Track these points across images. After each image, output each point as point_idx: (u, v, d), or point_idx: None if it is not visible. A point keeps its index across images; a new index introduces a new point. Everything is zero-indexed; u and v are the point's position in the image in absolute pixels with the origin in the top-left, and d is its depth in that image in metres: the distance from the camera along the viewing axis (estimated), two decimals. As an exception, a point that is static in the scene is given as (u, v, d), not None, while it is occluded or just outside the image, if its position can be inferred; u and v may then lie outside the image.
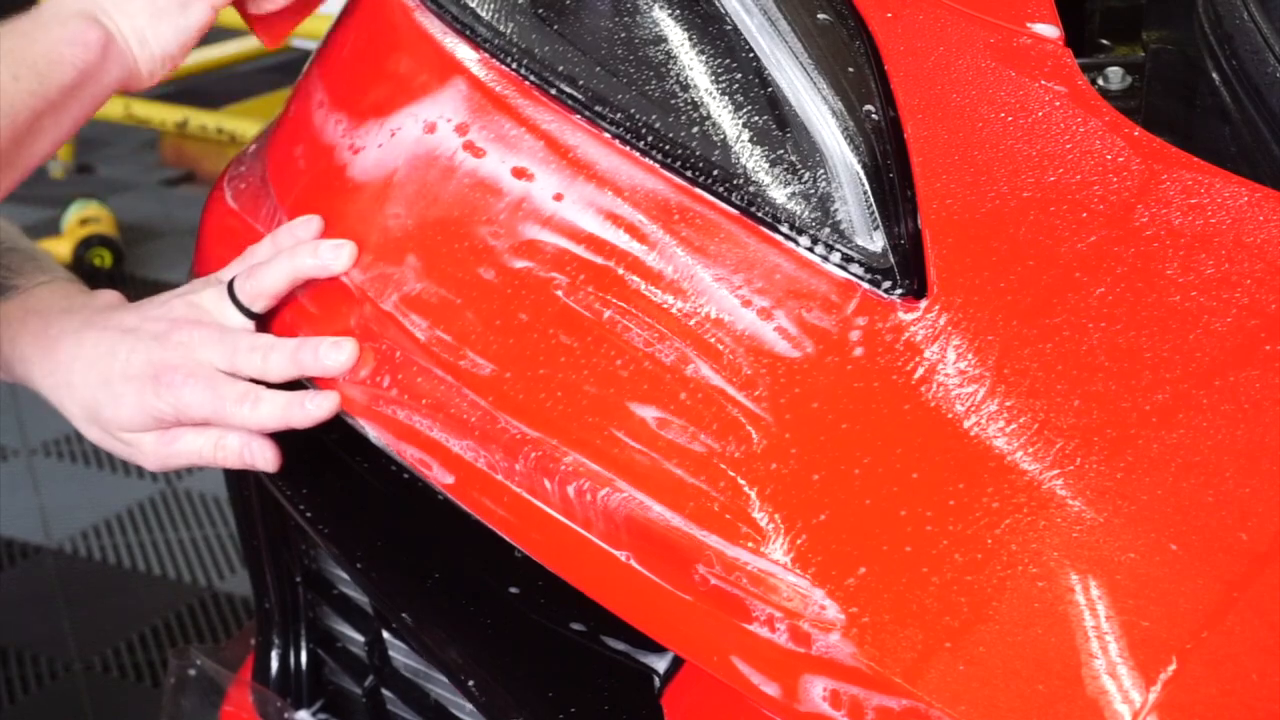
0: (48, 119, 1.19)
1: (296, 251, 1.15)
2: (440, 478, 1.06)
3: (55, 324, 1.21)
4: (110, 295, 1.26)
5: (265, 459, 1.19)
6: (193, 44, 1.28)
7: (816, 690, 0.89)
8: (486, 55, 1.14)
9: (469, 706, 1.20)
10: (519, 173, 1.09)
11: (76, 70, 1.20)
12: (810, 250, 1.01)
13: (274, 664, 1.37)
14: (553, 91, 1.10)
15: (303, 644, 1.37)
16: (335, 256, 1.14)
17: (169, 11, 1.25)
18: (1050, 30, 1.09)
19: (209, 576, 2.59)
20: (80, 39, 1.20)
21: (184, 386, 1.16)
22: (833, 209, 1.02)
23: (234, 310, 1.18)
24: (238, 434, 1.18)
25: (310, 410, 1.14)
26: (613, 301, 1.03)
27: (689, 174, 1.05)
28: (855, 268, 1.00)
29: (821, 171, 1.03)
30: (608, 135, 1.08)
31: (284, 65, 4.84)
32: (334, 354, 1.12)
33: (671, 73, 1.09)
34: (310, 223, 1.17)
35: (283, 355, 1.14)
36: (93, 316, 1.21)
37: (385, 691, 1.29)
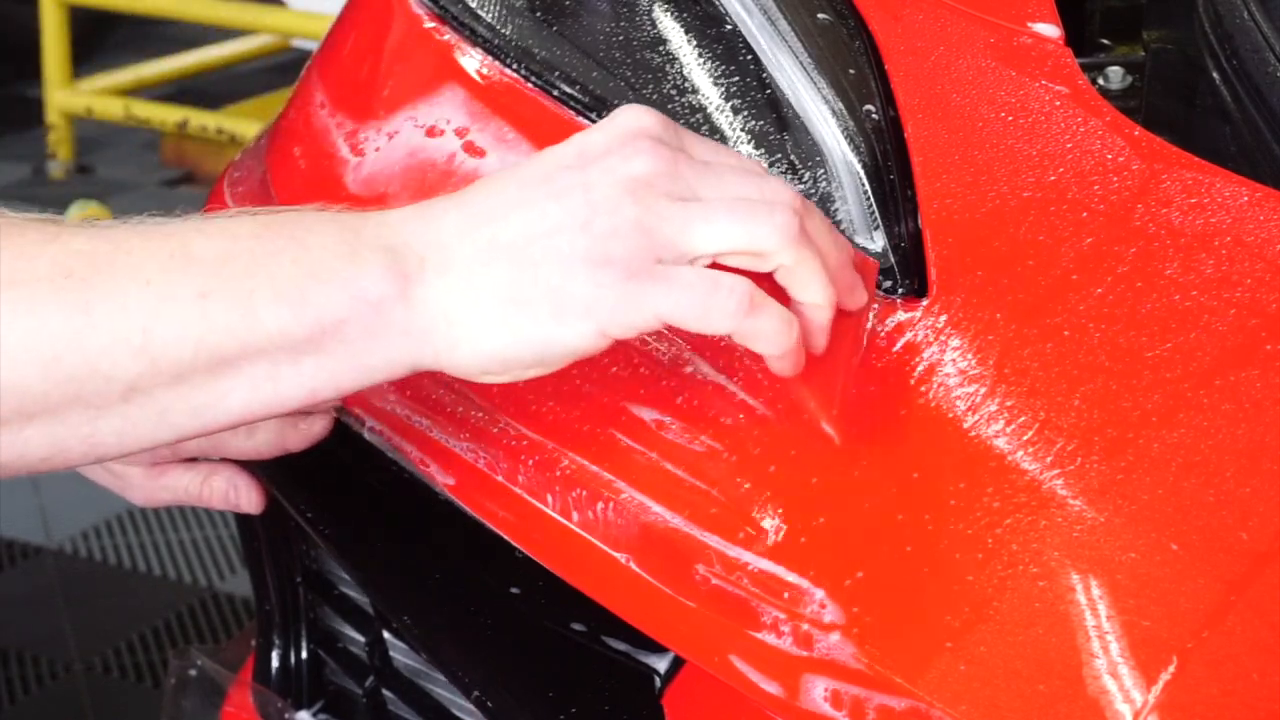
0: (248, 368, 0.84)
1: None
2: (441, 478, 1.06)
3: None
4: None
5: (250, 500, 1.18)
6: (555, 367, 0.88)
7: (817, 690, 0.89)
8: (487, 56, 1.14)
9: (469, 707, 1.20)
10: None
11: (317, 325, 0.83)
12: (810, 250, 1.01)
13: (274, 664, 1.37)
14: (554, 93, 1.10)
15: (303, 644, 1.37)
16: None
17: (534, 309, 0.84)
18: (1050, 30, 1.09)
19: (209, 577, 2.59)
20: (354, 286, 0.83)
21: None
22: (833, 209, 1.02)
23: None
24: (224, 474, 1.17)
25: (304, 431, 1.13)
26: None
27: (689, 174, 1.05)
28: (855, 268, 1.00)
29: (822, 171, 1.04)
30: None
31: (284, 66, 4.84)
32: (310, 425, 1.11)
33: (672, 73, 1.09)
34: None
35: None
36: None
37: (386, 692, 1.29)
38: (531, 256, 0.83)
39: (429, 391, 1.07)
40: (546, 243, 0.83)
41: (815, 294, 0.87)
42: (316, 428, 1.13)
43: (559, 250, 0.83)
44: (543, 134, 1.10)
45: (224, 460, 1.18)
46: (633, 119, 0.87)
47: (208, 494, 1.18)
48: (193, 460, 1.18)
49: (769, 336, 0.85)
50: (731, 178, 0.87)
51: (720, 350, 0.99)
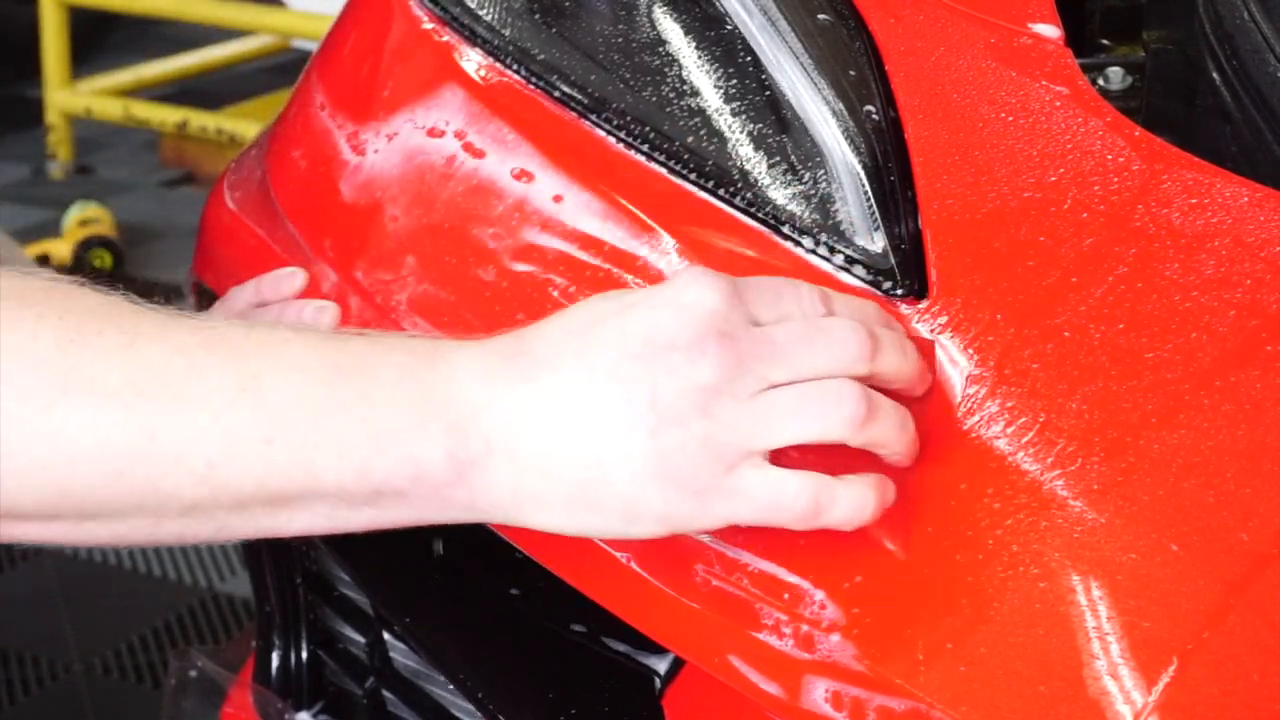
0: (305, 509, 0.86)
1: (285, 310, 1.13)
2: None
3: None
4: None
5: None
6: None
7: (818, 691, 0.89)
8: (487, 57, 1.14)
9: (470, 708, 1.20)
10: (519, 174, 1.09)
11: (375, 490, 0.85)
12: (812, 251, 1.01)
13: (275, 665, 1.37)
14: (554, 94, 1.10)
15: (303, 645, 1.37)
16: (317, 320, 1.11)
17: (602, 512, 0.86)
18: (1050, 30, 1.09)
19: (210, 578, 2.59)
20: (414, 465, 0.84)
21: None
22: (833, 210, 1.02)
23: None
24: None
25: None
26: (613, 302, 1.03)
27: (689, 175, 1.05)
28: (856, 268, 1.00)
29: (822, 172, 1.03)
30: (608, 137, 1.08)
31: (284, 66, 4.84)
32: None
33: (672, 74, 1.09)
34: (295, 277, 1.15)
35: None
36: None
37: (386, 693, 1.29)
38: (600, 459, 0.84)
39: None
40: (616, 448, 0.84)
41: (895, 449, 0.89)
42: None
43: (628, 459, 0.84)
44: (543, 134, 1.10)
45: None
46: (699, 298, 0.86)
47: None
48: None
49: (855, 509, 0.87)
50: (798, 351, 0.86)
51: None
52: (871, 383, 0.88)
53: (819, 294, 0.91)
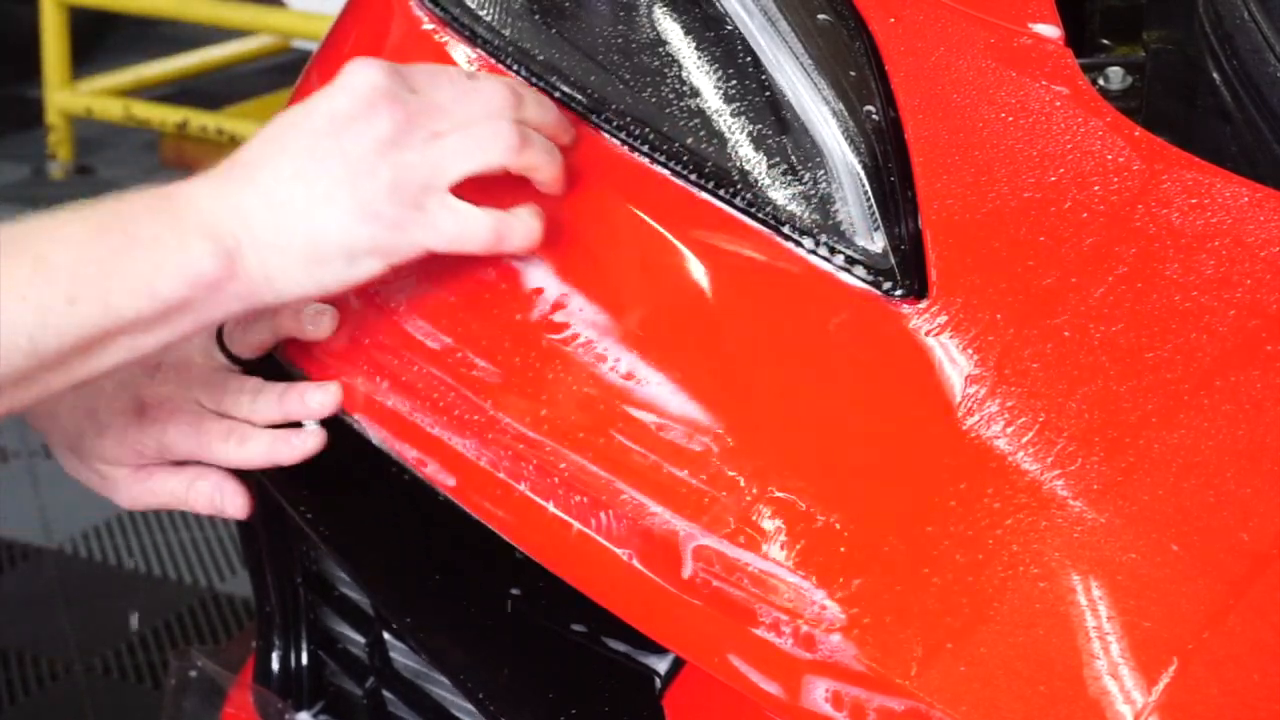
0: (110, 344, 1.01)
1: (281, 312, 1.14)
2: (441, 479, 1.06)
3: None
4: None
5: (236, 505, 1.18)
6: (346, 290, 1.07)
7: (818, 691, 0.89)
8: (487, 57, 1.14)
9: (470, 708, 1.19)
10: (519, 174, 1.09)
11: (165, 306, 1.01)
12: (812, 251, 1.01)
13: (275, 665, 1.37)
14: (555, 95, 1.10)
15: (303, 645, 1.37)
16: (316, 324, 1.13)
17: (330, 261, 1.03)
18: (1051, 30, 1.09)
19: (210, 578, 2.59)
20: (188, 273, 1.01)
21: (169, 422, 1.16)
22: (833, 210, 1.02)
23: (222, 354, 1.18)
24: (211, 478, 1.18)
25: (297, 446, 1.14)
26: (613, 302, 1.03)
27: (689, 176, 1.05)
28: (856, 268, 1.00)
29: (822, 172, 1.03)
30: (608, 137, 1.08)
31: (284, 66, 4.84)
32: (320, 397, 1.12)
33: (672, 75, 1.09)
34: None
35: (270, 399, 1.14)
36: None
37: (386, 693, 1.29)
38: (318, 221, 1.03)
39: (429, 394, 1.07)
40: (325, 209, 1.02)
41: (546, 174, 1.06)
42: (310, 444, 1.14)
43: (337, 213, 1.02)
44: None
45: (212, 466, 1.18)
46: (364, 77, 1.04)
47: (194, 498, 1.18)
48: (181, 464, 1.18)
49: (527, 235, 1.05)
50: (455, 107, 1.05)
51: (721, 351, 0.99)
52: (523, 122, 1.05)
53: (463, 70, 1.11)
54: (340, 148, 1.03)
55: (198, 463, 1.18)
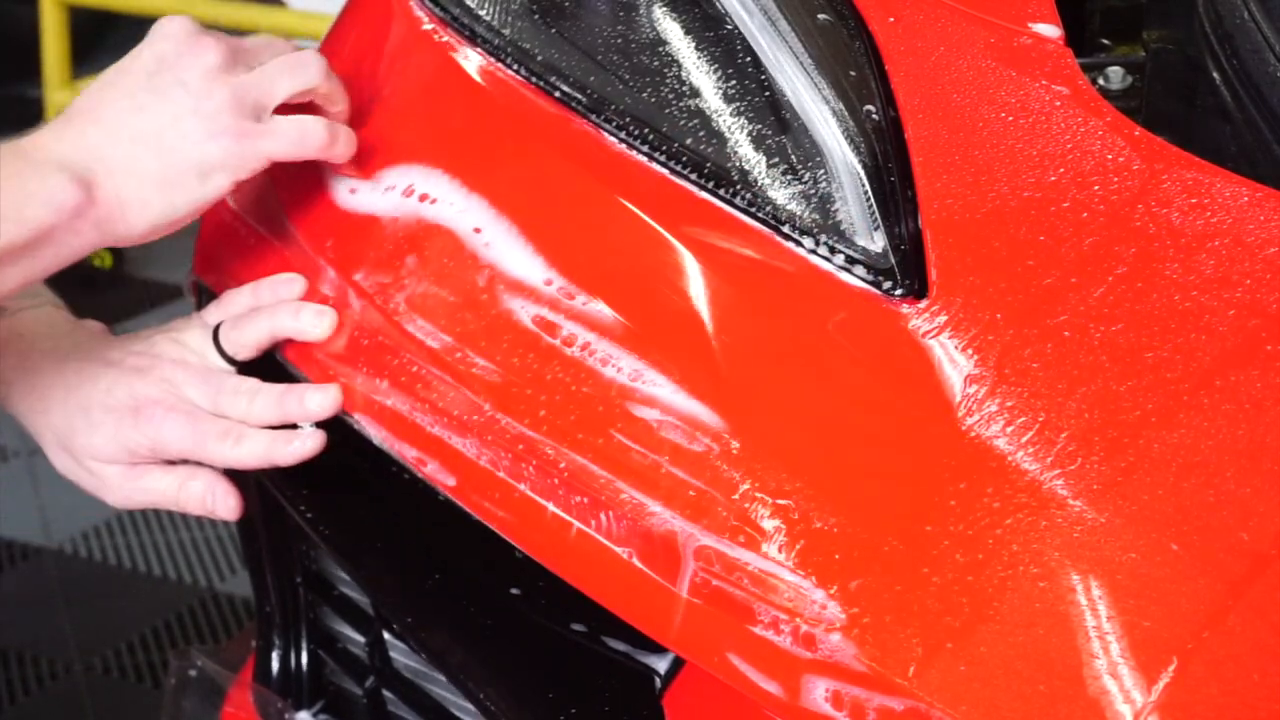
0: None
1: (277, 311, 1.15)
2: (441, 479, 1.06)
3: (38, 348, 1.20)
4: (95, 325, 1.25)
5: (227, 507, 1.18)
6: (201, 213, 1.14)
7: (817, 690, 0.89)
8: (487, 56, 1.14)
9: (470, 707, 1.20)
10: (520, 172, 1.09)
11: (33, 232, 1.06)
12: (812, 251, 1.01)
13: (275, 665, 1.37)
14: (554, 94, 1.10)
15: (303, 645, 1.37)
16: (316, 324, 1.14)
17: (185, 179, 1.11)
18: (1051, 30, 1.09)
19: (210, 577, 2.59)
20: (52, 199, 1.07)
21: (164, 421, 1.16)
22: (833, 209, 1.02)
23: (217, 355, 1.18)
24: (203, 478, 1.18)
25: (295, 449, 1.14)
26: (613, 302, 1.03)
27: (689, 175, 1.05)
28: (856, 268, 1.00)
29: (822, 172, 1.03)
30: (609, 137, 1.08)
31: (284, 65, 4.83)
32: (320, 399, 1.13)
33: (672, 74, 1.09)
34: (294, 283, 1.17)
35: (268, 400, 1.15)
36: (77, 346, 1.21)
37: (386, 692, 1.29)
38: (167, 143, 1.10)
39: (429, 393, 1.07)
40: (174, 131, 1.10)
41: (340, 106, 1.17)
42: (308, 446, 1.14)
43: (185, 135, 1.10)
44: (543, 135, 1.10)
45: (205, 466, 1.18)
46: (179, 26, 1.13)
47: (185, 498, 1.18)
48: (172, 463, 1.18)
49: (349, 137, 1.16)
50: (262, 51, 1.16)
51: (721, 351, 0.99)
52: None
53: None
54: (177, 78, 1.11)
55: (191, 463, 1.18)
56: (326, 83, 1.15)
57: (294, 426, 1.15)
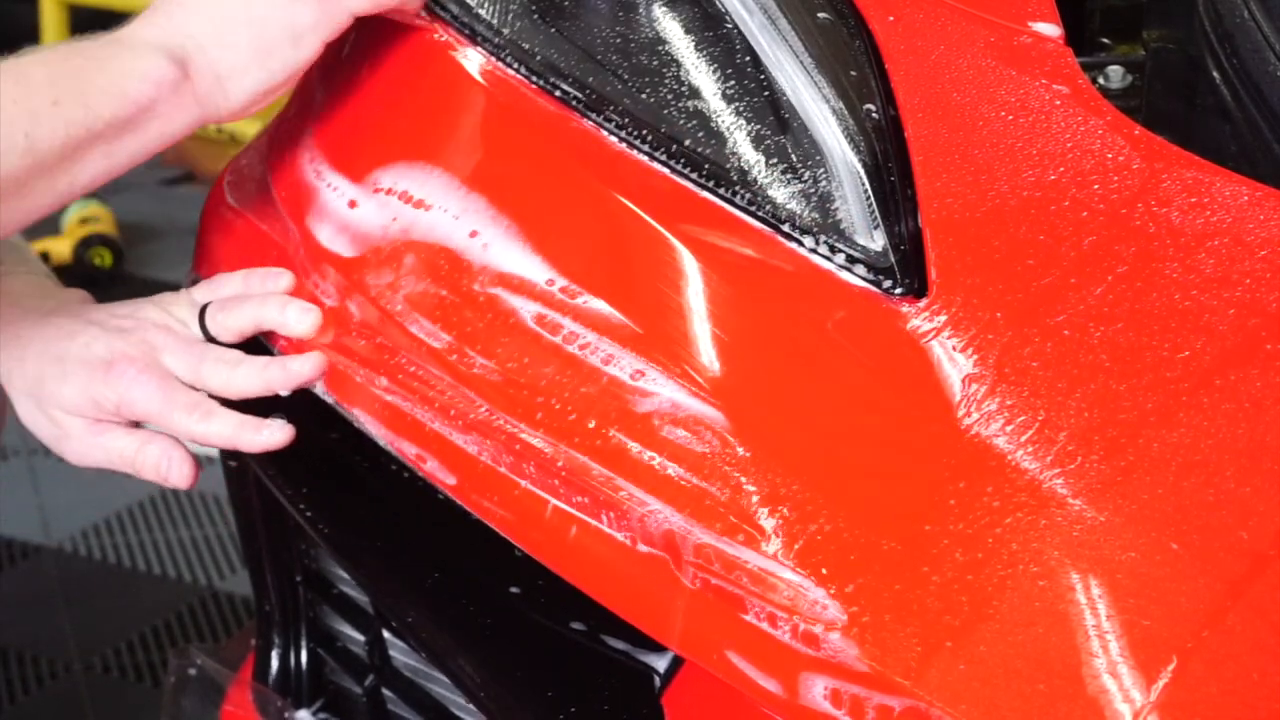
0: (91, 151, 1.10)
1: (266, 302, 1.16)
2: (441, 477, 1.06)
3: (22, 306, 1.21)
4: (81, 293, 1.26)
5: (182, 474, 1.18)
6: (297, 79, 1.17)
7: (817, 689, 0.89)
8: (487, 55, 1.14)
9: (469, 706, 1.20)
10: (520, 171, 1.09)
11: (135, 107, 1.10)
12: (812, 250, 1.01)
13: (274, 663, 1.37)
14: (555, 93, 1.10)
15: (303, 643, 1.37)
16: (300, 320, 1.14)
17: (278, 46, 1.14)
18: (1051, 29, 1.09)
19: (209, 576, 2.59)
20: (149, 75, 1.11)
21: (135, 380, 1.15)
22: (833, 208, 1.02)
23: (200, 332, 1.18)
24: (160, 444, 1.18)
25: (264, 438, 1.15)
26: (613, 301, 1.03)
27: (689, 174, 1.05)
28: (856, 267, 1.00)
29: (822, 171, 1.03)
30: (609, 136, 1.08)
31: (284, 65, 4.82)
32: (301, 365, 1.13)
33: (672, 73, 1.09)
34: (282, 277, 1.18)
35: (251, 369, 1.14)
36: (62, 304, 1.21)
37: (386, 691, 1.29)
38: (255, 13, 1.13)
39: (429, 391, 1.07)
40: (263, 7, 1.13)
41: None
42: (277, 437, 1.14)
43: (274, 8, 1.12)
44: (543, 133, 1.10)
45: (163, 434, 1.18)
46: None
47: (141, 461, 1.18)
48: (136, 425, 1.18)
49: None
50: None
51: (720, 350, 0.99)
52: None
53: None
54: None
55: (148, 430, 1.18)
56: None
57: (270, 408, 1.14)
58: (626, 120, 1.08)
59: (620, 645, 1.09)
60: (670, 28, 1.11)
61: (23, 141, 1.07)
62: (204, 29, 1.13)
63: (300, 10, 1.13)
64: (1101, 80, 1.13)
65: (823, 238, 1.01)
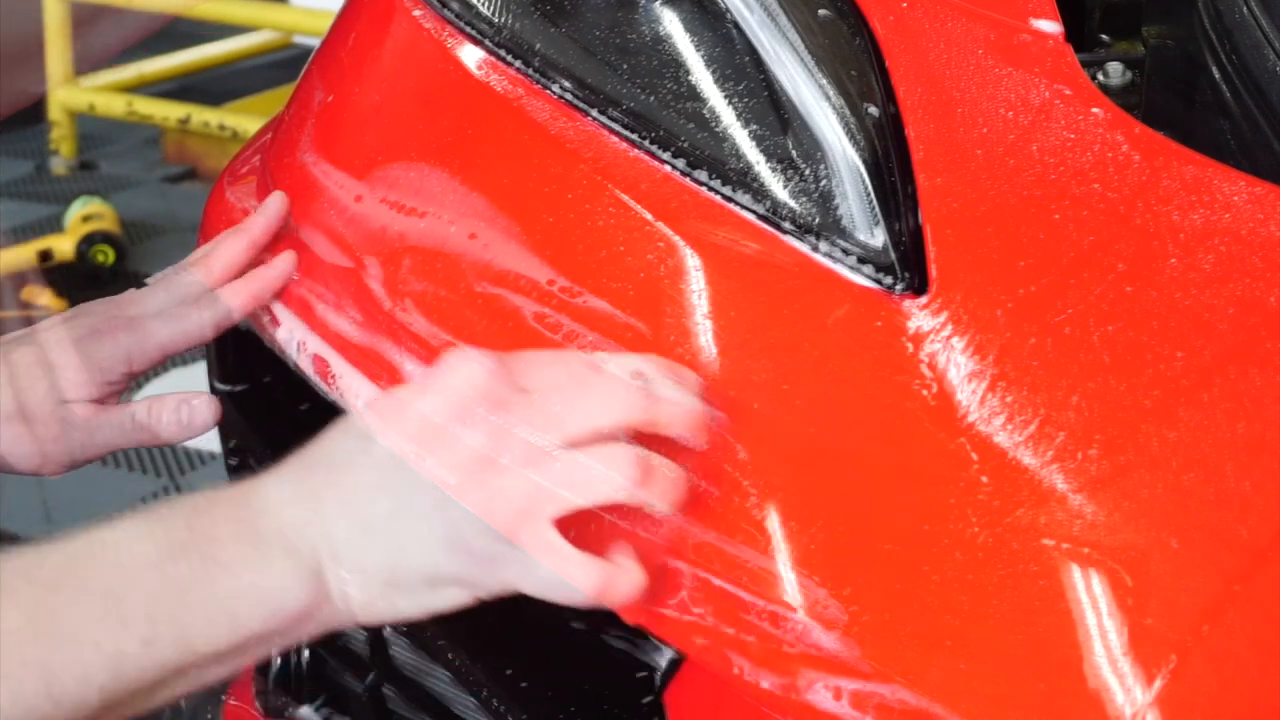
0: (184, 676, 0.91)
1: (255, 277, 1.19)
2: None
3: None
4: None
5: (204, 417, 1.18)
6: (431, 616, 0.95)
7: (817, 688, 0.90)
8: (487, 52, 1.14)
9: (470, 703, 1.20)
10: (520, 169, 1.09)
11: (250, 636, 0.90)
12: (813, 247, 1.01)
13: (276, 661, 1.37)
14: (554, 89, 1.10)
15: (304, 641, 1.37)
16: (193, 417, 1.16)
17: (412, 588, 0.92)
18: (1051, 26, 1.09)
19: (212, 573, 2.59)
20: (278, 600, 0.90)
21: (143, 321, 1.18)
22: (834, 205, 1.02)
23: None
24: (173, 395, 1.19)
25: (184, 425, 1.17)
26: (614, 300, 1.03)
27: (689, 172, 1.05)
28: (856, 264, 1.00)
29: (823, 167, 1.04)
30: (609, 133, 1.08)
31: (286, 62, 4.84)
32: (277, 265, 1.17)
33: (672, 71, 1.09)
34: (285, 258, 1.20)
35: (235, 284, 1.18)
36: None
37: (386, 688, 1.29)
38: (400, 543, 0.91)
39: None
40: (410, 532, 0.91)
41: (664, 506, 0.92)
42: (197, 420, 1.15)
43: (423, 540, 0.91)
44: (543, 131, 1.10)
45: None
46: (466, 375, 0.91)
47: (156, 416, 1.18)
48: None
49: (631, 588, 0.92)
50: (569, 414, 0.90)
51: (720, 348, 0.99)
52: (653, 431, 0.91)
53: (584, 358, 0.95)
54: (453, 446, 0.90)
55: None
56: (640, 490, 0.90)
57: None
58: (626, 118, 1.08)
59: (621, 643, 1.09)
60: (670, 25, 1.11)
61: (96, 695, 0.88)
62: (345, 533, 0.91)
63: (446, 563, 0.91)
64: (1101, 77, 1.13)
65: (823, 235, 1.01)
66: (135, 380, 1.21)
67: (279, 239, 1.20)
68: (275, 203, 1.20)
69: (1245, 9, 1.07)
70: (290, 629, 0.92)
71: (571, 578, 0.89)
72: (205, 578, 0.90)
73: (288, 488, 0.93)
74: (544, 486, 0.88)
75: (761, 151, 1.05)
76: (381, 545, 0.91)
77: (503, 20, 1.15)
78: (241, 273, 1.19)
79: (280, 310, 1.18)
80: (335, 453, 0.94)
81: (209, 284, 1.18)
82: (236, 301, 1.18)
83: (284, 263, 1.18)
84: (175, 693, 0.91)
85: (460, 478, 0.89)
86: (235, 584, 0.90)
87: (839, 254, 1.00)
